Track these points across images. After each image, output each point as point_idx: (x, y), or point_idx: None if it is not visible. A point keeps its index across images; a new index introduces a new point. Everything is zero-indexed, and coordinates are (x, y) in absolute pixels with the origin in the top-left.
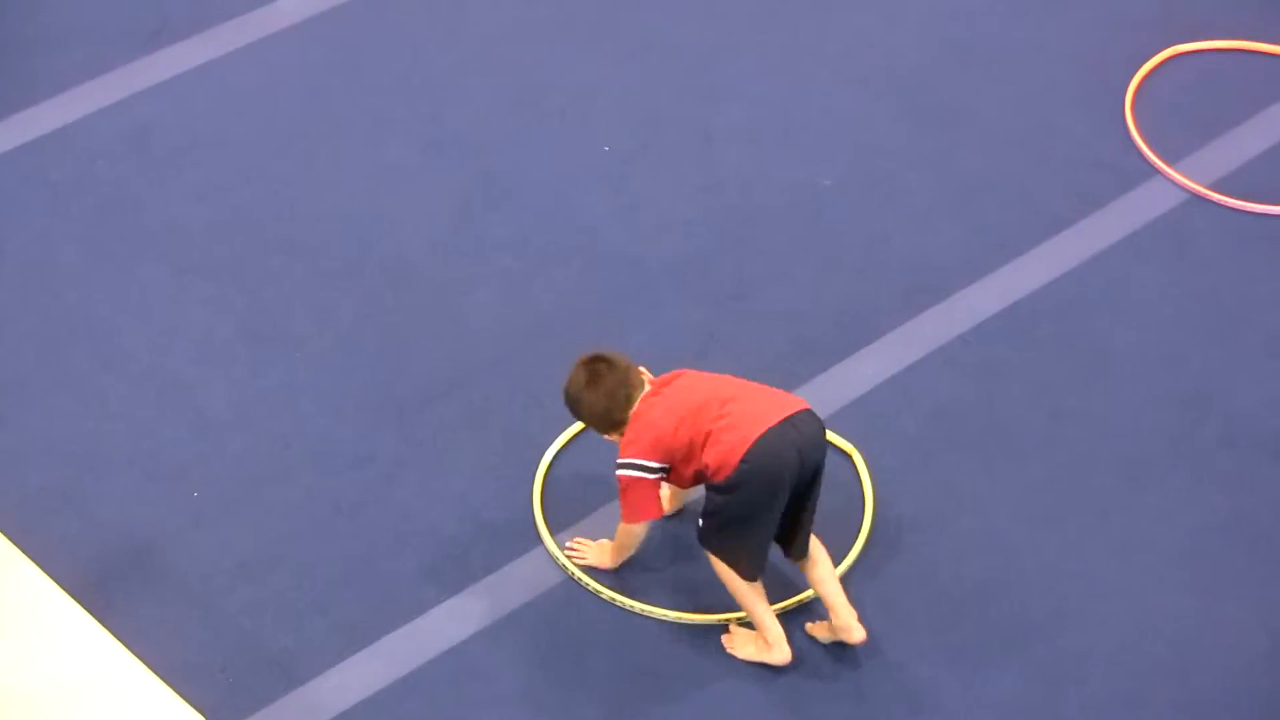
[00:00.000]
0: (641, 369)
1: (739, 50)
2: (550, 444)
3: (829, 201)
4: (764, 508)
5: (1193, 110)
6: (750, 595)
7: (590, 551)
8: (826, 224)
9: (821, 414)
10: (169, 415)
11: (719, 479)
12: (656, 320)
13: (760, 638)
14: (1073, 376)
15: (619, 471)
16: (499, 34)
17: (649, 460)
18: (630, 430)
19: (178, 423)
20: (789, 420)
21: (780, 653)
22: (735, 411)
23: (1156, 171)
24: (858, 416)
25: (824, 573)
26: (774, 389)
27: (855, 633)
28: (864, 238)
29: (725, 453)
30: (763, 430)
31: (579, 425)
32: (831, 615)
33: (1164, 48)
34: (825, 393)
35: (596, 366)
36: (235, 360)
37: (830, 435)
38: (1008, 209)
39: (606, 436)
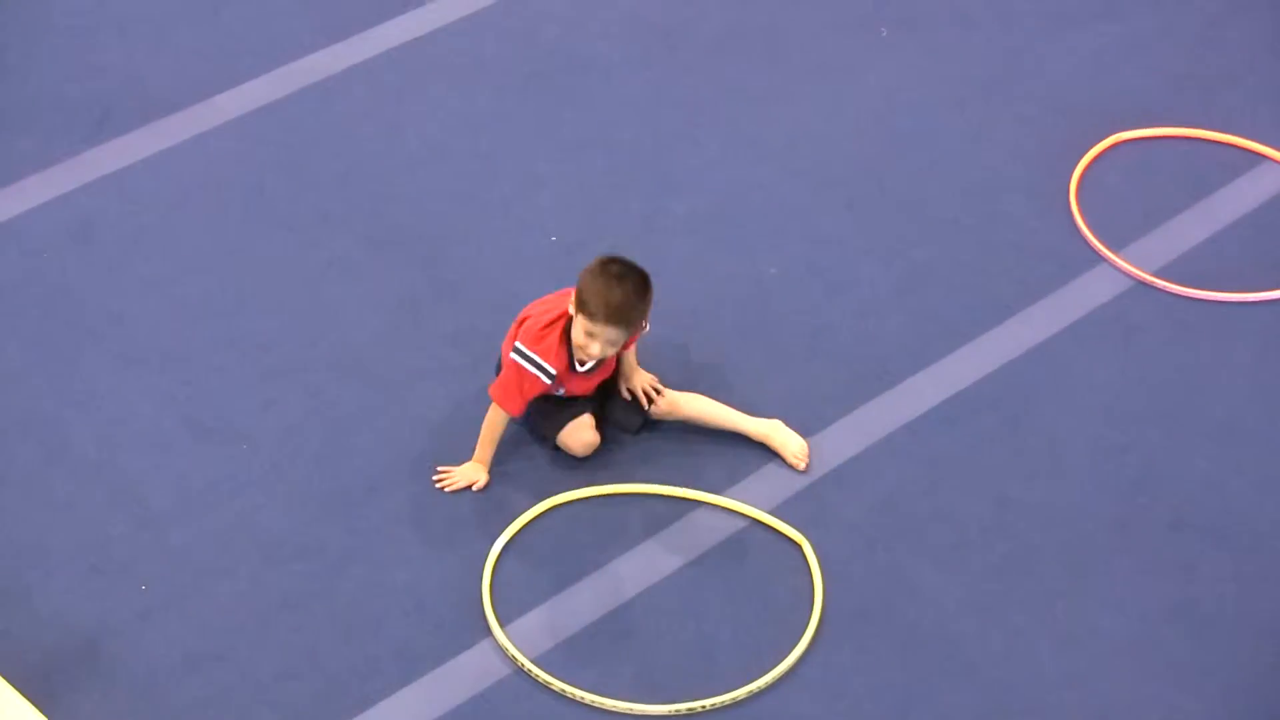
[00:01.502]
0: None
1: (683, 143)
2: (499, 535)
3: (773, 291)
4: None
5: (1136, 197)
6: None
7: (459, 474)
8: (771, 314)
9: (768, 504)
10: (115, 508)
11: None
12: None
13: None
14: (1019, 464)
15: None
16: (441, 128)
17: None
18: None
19: (123, 516)
20: None
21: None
22: None
23: (1101, 258)
24: (805, 506)
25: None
26: None
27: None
28: (809, 327)
29: None
30: None
31: (527, 516)
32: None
33: (1107, 135)
34: (772, 482)
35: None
36: (181, 453)
37: (779, 524)
38: (952, 297)
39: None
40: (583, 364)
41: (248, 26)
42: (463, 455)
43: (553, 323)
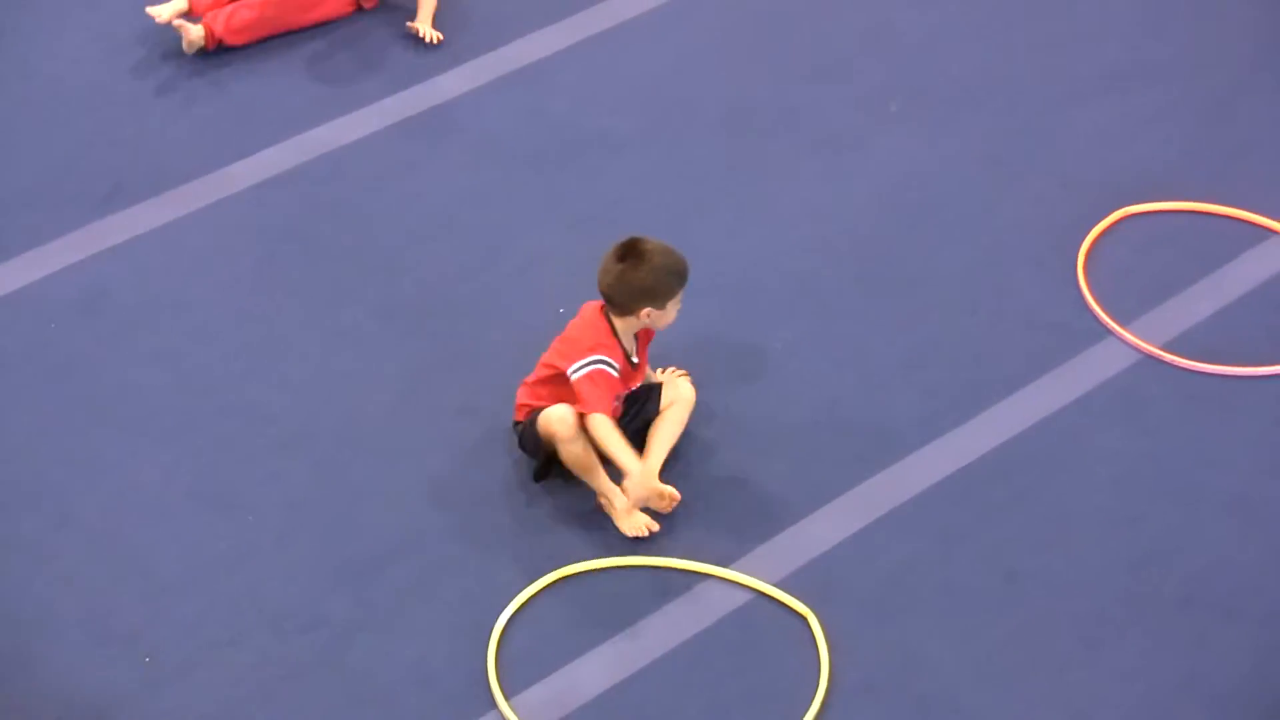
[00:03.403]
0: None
1: (691, 216)
2: (504, 607)
3: (782, 364)
4: None
5: (1144, 271)
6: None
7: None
8: (779, 386)
9: (775, 577)
10: (121, 579)
11: None
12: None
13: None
14: (1028, 538)
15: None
16: (451, 200)
17: None
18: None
19: (129, 586)
20: None
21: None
22: None
23: (1109, 332)
24: (813, 579)
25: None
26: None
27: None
28: (817, 400)
29: None
30: None
31: (533, 589)
32: None
33: (1115, 209)
34: (780, 555)
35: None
36: (188, 524)
37: (786, 598)
38: (961, 371)
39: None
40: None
41: (259, 98)
42: (471, 527)
43: (593, 331)
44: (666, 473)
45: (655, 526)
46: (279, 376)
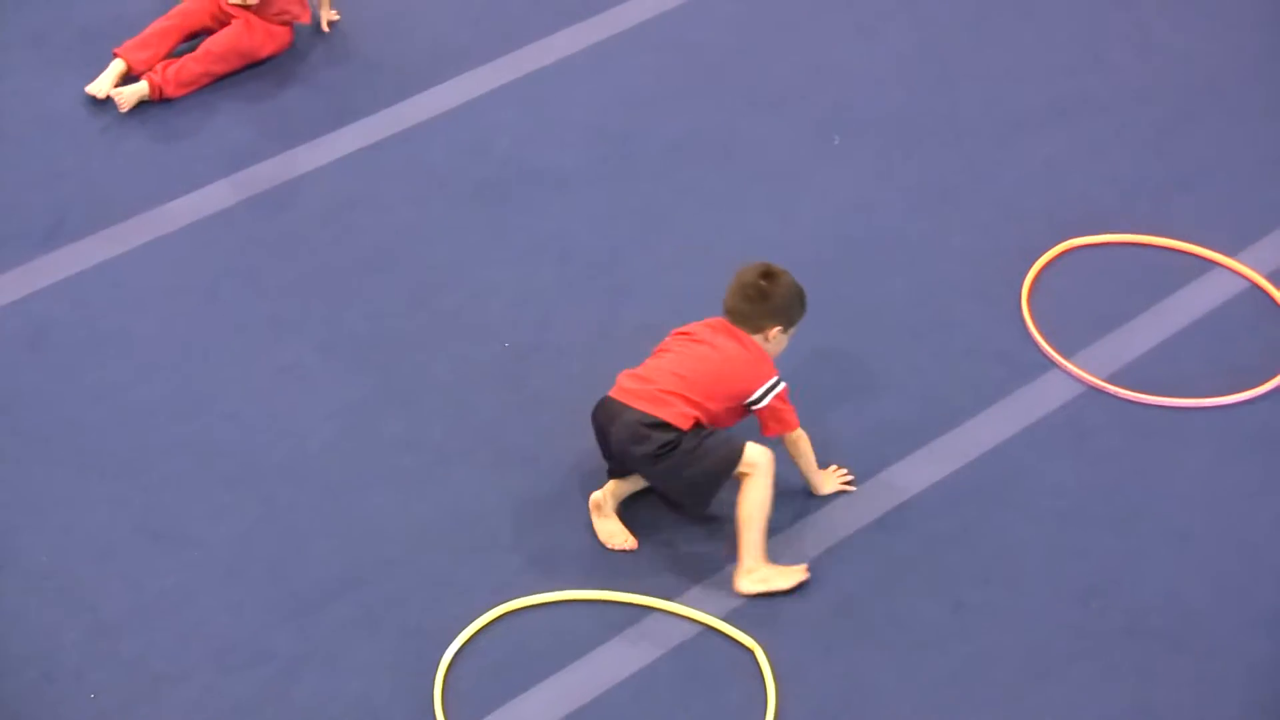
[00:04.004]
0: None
1: (637, 249)
2: (450, 642)
3: None
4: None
5: (1089, 303)
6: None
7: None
8: None
9: (722, 610)
10: (66, 616)
11: None
12: (556, 519)
13: (759, 571)
14: (974, 569)
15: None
16: (395, 234)
17: None
18: None
19: (75, 623)
20: (621, 406)
21: (784, 579)
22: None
23: (1053, 364)
24: (760, 611)
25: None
26: (668, 380)
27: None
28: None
29: None
30: (612, 393)
31: (479, 623)
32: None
33: (1059, 241)
34: (727, 588)
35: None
36: (133, 560)
37: (732, 631)
38: (906, 403)
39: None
40: None
41: (203, 133)
42: (416, 561)
43: (757, 350)
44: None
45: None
46: (224, 411)
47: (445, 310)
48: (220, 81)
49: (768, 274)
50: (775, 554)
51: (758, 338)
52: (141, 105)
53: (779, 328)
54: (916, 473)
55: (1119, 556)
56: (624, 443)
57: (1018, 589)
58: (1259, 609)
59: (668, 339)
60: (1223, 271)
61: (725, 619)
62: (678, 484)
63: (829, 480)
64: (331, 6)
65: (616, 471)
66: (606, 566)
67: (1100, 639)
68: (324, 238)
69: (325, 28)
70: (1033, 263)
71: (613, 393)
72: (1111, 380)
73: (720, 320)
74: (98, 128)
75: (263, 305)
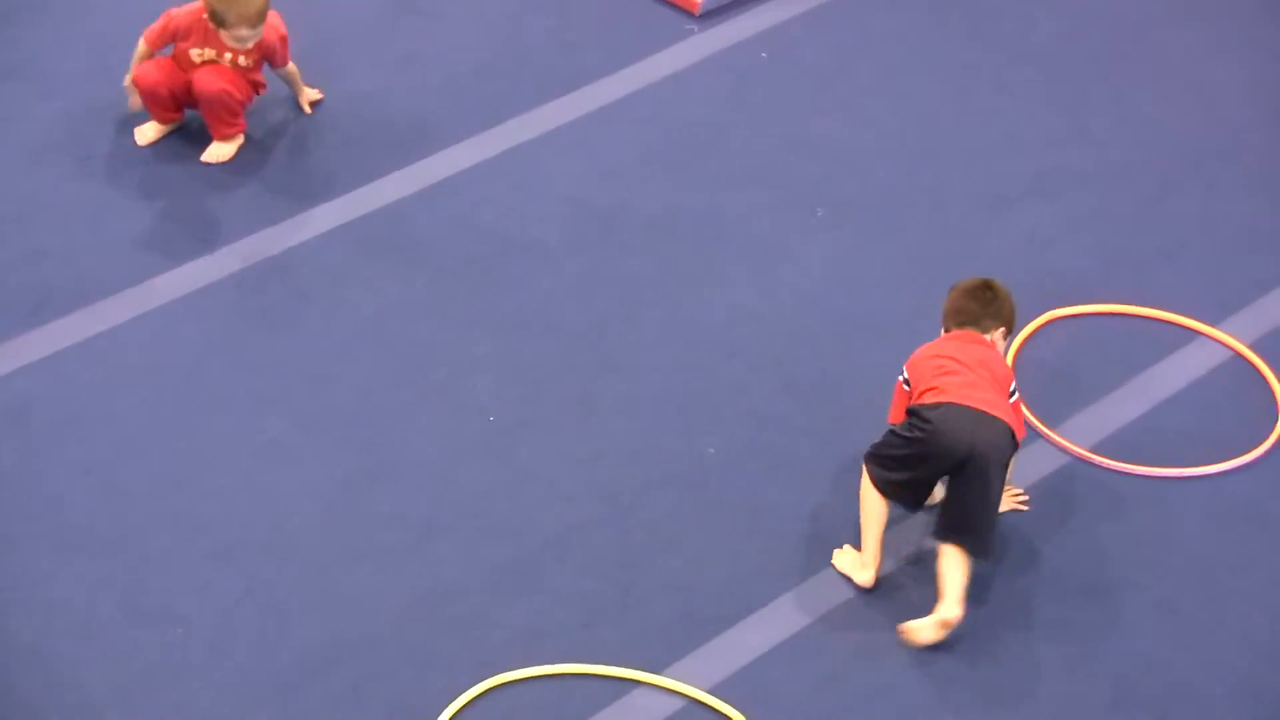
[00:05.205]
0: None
1: (621, 323)
2: (435, 717)
3: (713, 471)
4: (921, 463)
5: (1072, 374)
6: (871, 514)
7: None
8: (711, 493)
9: (708, 683)
10: (51, 695)
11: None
12: (541, 593)
13: (858, 555)
14: (960, 641)
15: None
16: (378, 310)
17: (905, 372)
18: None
19: (59, 703)
20: (982, 414)
21: (866, 573)
22: (947, 379)
23: (1038, 435)
24: (746, 685)
25: (950, 563)
26: (988, 387)
27: (948, 609)
28: (749, 506)
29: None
30: (961, 401)
31: (464, 698)
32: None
33: (1043, 312)
34: (713, 661)
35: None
36: (117, 638)
37: (719, 704)
38: None
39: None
40: None
41: (186, 209)
42: (401, 636)
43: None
44: (592, 574)
45: None
46: (207, 488)
47: (430, 385)
48: (169, 168)
49: (990, 283)
50: (758, 632)
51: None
52: (124, 179)
53: (1002, 330)
54: (902, 544)
55: (1103, 626)
56: (991, 448)
57: (1002, 660)
58: (1243, 680)
59: (924, 369)
60: (1205, 341)
61: (712, 692)
62: (991, 501)
63: (1005, 500)
64: (310, 85)
65: (924, 496)
66: (591, 640)
67: (1084, 710)
68: (308, 313)
69: (307, 109)
70: (1017, 334)
71: (969, 401)
72: (1096, 450)
73: (949, 335)
74: (82, 205)
75: (247, 381)
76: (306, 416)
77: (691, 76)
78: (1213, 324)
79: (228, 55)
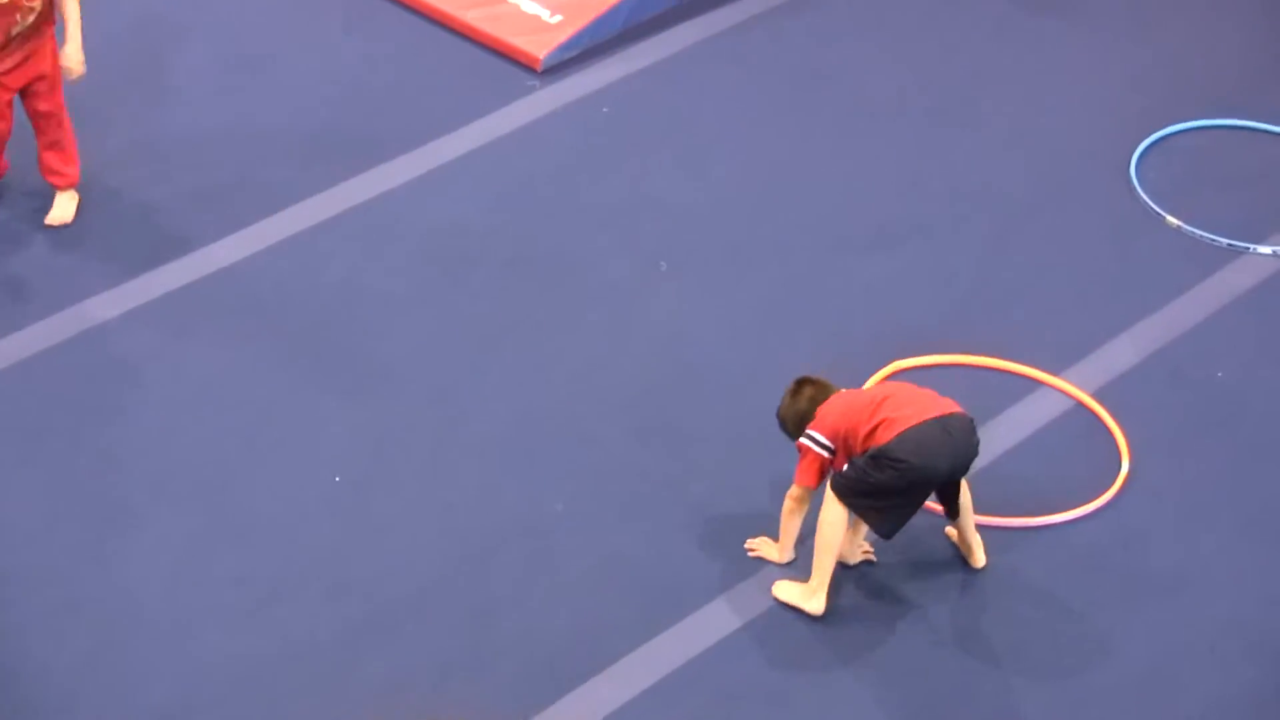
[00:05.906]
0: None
1: (471, 372)
2: None
3: (562, 523)
4: (907, 493)
5: None
6: (830, 543)
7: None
8: (560, 546)
9: None
10: None
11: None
12: (393, 647)
13: (805, 585)
14: (797, 686)
15: (799, 440)
16: (221, 370)
17: (821, 436)
18: (815, 419)
19: None
20: (943, 419)
21: (817, 603)
22: (890, 408)
23: None
24: None
25: (964, 518)
26: (920, 392)
27: (976, 559)
28: (599, 558)
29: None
30: (918, 421)
31: None
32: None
33: (886, 363)
34: (579, 706)
35: (800, 386)
36: None
37: None
38: (738, 527)
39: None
40: None
41: (27, 272)
42: (252, 698)
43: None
44: (446, 629)
45: None
46: (52, 550)
47: (274, 444)
48: (13, 230)
49: (803, 379)
50: (611, 686)
51: None
52: None
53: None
54: (755, 597)
55: (957, 676)
56: (967, 449)
57: (846, 707)
58: None
59: (852, 418)
60: (1047, 391)
61: None
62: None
63: (855, 554)
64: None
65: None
66: (449, 693)
67: None
68: (151, 373)
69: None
70: (860, 385)
71: (924, 415)
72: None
73: (838, 394)
74: None
75: (90, 442)
76: (150, 476)
77: (535, 131)
78: (1055, 373)
79: None
